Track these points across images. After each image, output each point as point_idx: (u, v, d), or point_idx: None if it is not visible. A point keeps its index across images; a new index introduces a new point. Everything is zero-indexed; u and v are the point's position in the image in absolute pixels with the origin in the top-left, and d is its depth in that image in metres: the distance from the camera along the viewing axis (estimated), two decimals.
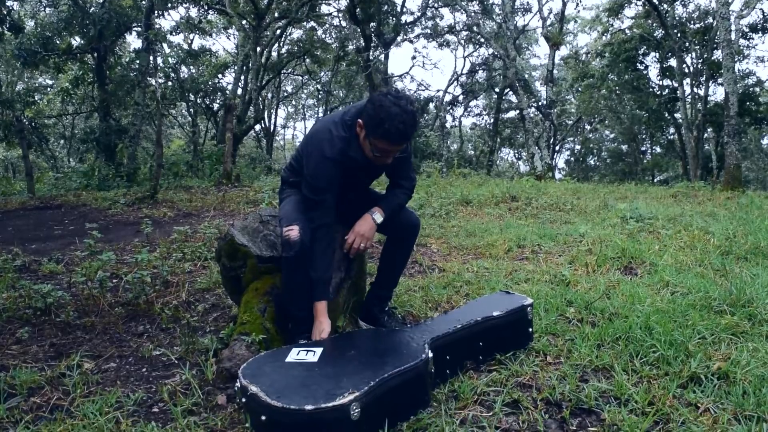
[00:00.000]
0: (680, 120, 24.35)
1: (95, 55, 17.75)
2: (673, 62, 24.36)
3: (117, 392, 2.44)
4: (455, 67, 72.56)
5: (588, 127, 38.16)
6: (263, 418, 1.95)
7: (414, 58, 40.44)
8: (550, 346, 2.83)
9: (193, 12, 20.92)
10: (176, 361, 2.82)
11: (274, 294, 2.85)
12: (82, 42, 17.53)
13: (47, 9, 18.29)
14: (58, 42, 16.98)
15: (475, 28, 24.05)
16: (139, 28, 17.23)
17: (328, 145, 2.65)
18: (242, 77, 22.25)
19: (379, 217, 2.85)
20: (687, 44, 23.36)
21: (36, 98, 20.25)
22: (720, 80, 17.42)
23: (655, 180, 32.94)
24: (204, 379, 2.58)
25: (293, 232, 2.62)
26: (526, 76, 25.03)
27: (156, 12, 17.24)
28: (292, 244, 2.61)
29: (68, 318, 3.37)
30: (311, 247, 2.66)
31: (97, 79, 18.20)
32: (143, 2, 17.06)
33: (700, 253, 4.64)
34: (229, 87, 23.95)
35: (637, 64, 26.00)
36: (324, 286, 2.70)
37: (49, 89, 24.36)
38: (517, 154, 39.63)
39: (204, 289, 4.06)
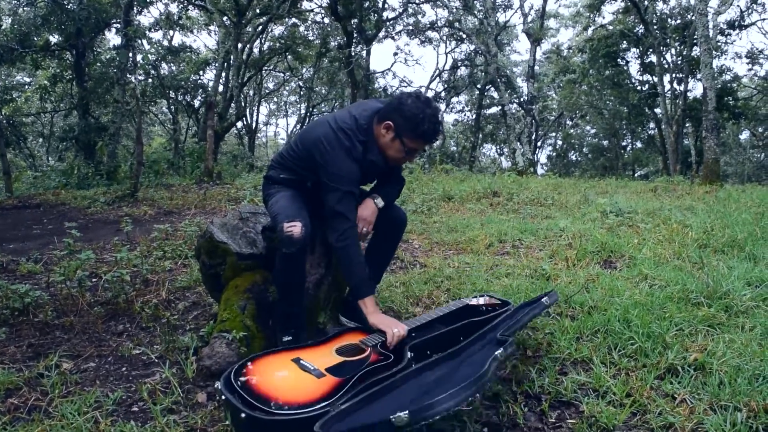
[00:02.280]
0: (660, 115, 24.58)
1: (74, 52, 17.51)
2: (653, 58, 24.58)
3: (96, 392, 2.43)
4: (437, 64, 72.63)
5: (569, 123, 38.41)
6: (243, 415, 1.94)
7: (396, 54, 40.27)
8: (530, 340, 2.85)
9: (174, 8, 20.74)
10: (156, 360, 2.80)
11: (255, 291, 2.85)
12: (60, 39, 17.27)
13: (25, 7, 18.02)
14: (35, 39, 16.71)
15: (456, 24, 24.08)
16: (118, 25, 17.04)
17: (353, 149, 2.66)
18: (223, 74, 22.11)
19: (380, 201, 2.86)
20: (667, 40, 23.56)
21: (13, 96, 19.96)
22: (699, 76, 17.59)
23: (636, 175, 33.25)
24: (184, 378, 2.57)
25: (296, 228, 2.55)
26: (508, 72, 25.12)
27: (135, 8, 17.04)
28: (294, 241, 2.55)
29: (47, 318, 3.33)
30: (353, 250, 2.64)
31: (75, 77, 17.96)
32: None
33: (678, 246, 4.68)
34: (210, 84, 23.76)
35: (618, 59, 26.19)
36: (371, 282, 2.72)
37: (26, 87, 24.01)
38: (499, 150, 39.79)
39: (184, 288, 4.04)
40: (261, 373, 2.19)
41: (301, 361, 2.28)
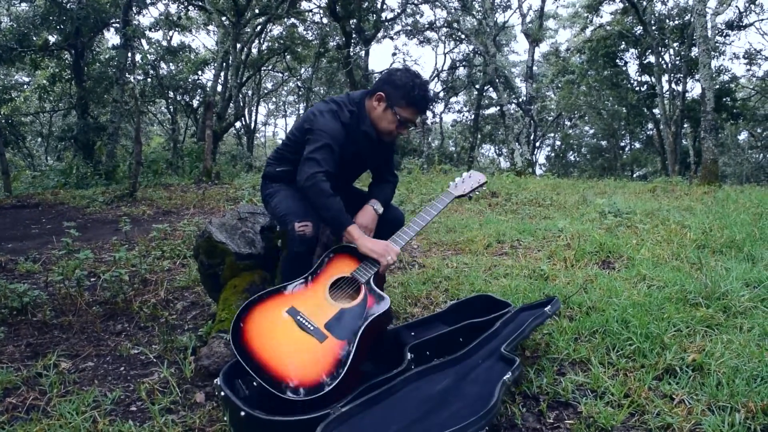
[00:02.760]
0: (659, 116, 24.61)
1: (72, 51, 17.49)
2: (651, 58, 24.60)
3: (94, 391, 2.43)
4: (436, 64, 72.65)
5: (568, 123, 38.44)
6: (242, 414, 1.94)
7: (394, 54, 40.28)
8: (528, 341, 2.84)
9: (173, 8, 20.71)
10: (154, 360, 2.80)
11: (253, 291, 2.85)
12: (59, 38, 17.22)
13: (23, 4, 17.98)
14: (34, 38, 16.68)
15: (455, 25, 24.09)
16: (117, 25, 17.01)
17: (340, 114, 2.75)
18: (222, 74, 22.11)
19: (379, 207, 2.88)
20: (665, 41, 23.59)
21: (12, 95, 19.93)
22: (697, 76, 17.59)
23: (634, 175, 33.27)
24: (182, 378, 2.57)
25: (308, 228, 2.59)
26: (506, 72, 25.12)
27: (134, 8, 17.02)
28: (306, 240, 2.59)
29: (45, 317, 3.33)
30: (323, 185, 2.57)
31: (74, 76, 17.94)
32: None
33: (676, 246, 4.69)
34: (209, 84, 23.74)
35: (616, 60, 26.21)
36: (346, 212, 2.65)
37: (25, 86, 23.99)
38: (497, 150, 39.84)
39: (183, 287, 4.04)
40: (258, 333, 2.17)
41: (299, 316, 2.24)
